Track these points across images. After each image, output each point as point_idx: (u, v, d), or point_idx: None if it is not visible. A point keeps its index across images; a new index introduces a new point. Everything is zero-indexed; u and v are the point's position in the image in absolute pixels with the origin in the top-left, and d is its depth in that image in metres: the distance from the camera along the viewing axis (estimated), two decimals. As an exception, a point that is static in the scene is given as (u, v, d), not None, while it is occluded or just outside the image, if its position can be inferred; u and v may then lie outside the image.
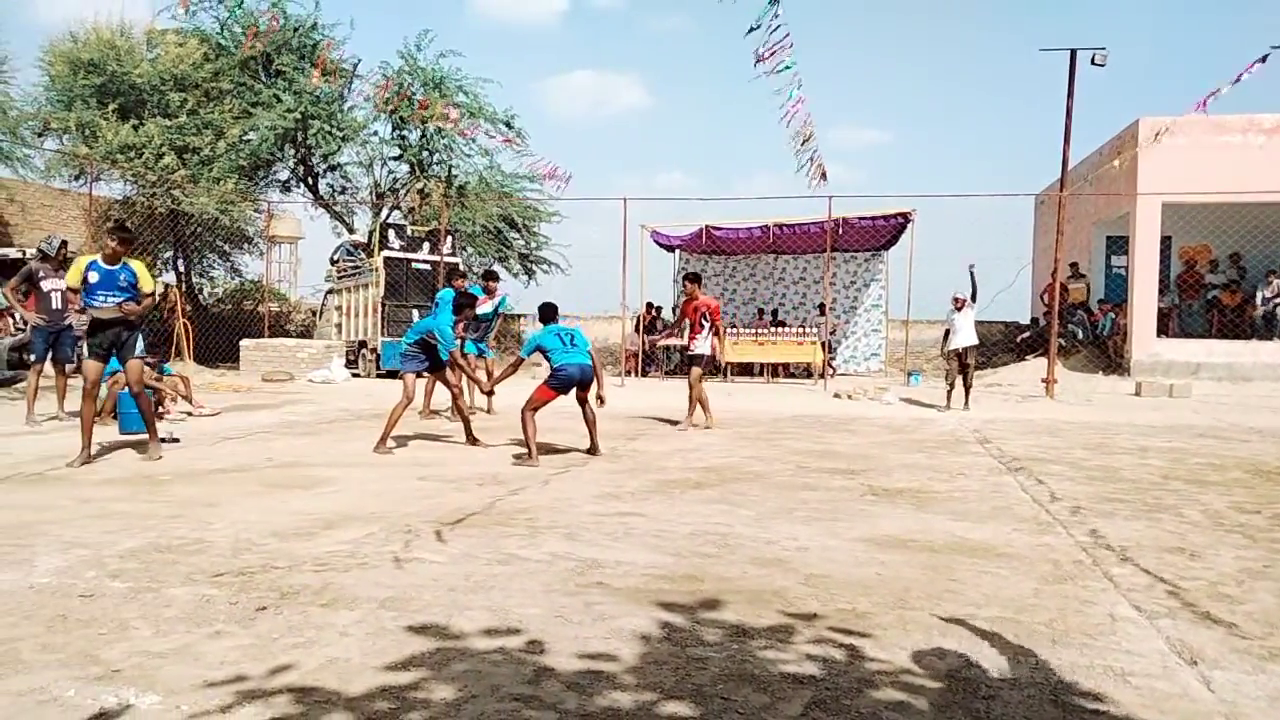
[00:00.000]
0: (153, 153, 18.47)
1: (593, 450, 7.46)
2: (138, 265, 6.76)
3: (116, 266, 6.64)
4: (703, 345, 9.63)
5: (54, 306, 9.18)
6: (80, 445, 6.56)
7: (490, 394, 7.60)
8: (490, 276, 10.32)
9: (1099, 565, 4.00)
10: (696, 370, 9.57)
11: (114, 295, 6.62)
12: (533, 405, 7.22)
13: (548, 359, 7.40)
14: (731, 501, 5.39)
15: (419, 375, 7.99)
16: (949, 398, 11.63)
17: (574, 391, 7.46)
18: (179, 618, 3.11)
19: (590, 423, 7.61)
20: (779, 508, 5.21)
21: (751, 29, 10.87)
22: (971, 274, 11.42)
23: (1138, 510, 5.27)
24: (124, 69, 18.86)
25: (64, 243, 9.70)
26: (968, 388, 11.55)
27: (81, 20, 20.39)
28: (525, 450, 7.10)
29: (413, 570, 3.75)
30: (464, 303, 7.94)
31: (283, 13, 19.87)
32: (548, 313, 7.71)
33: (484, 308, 9.80)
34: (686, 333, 9.91)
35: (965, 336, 11.37)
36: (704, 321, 9.64)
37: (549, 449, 7.59)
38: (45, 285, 9.18)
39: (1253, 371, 15.58)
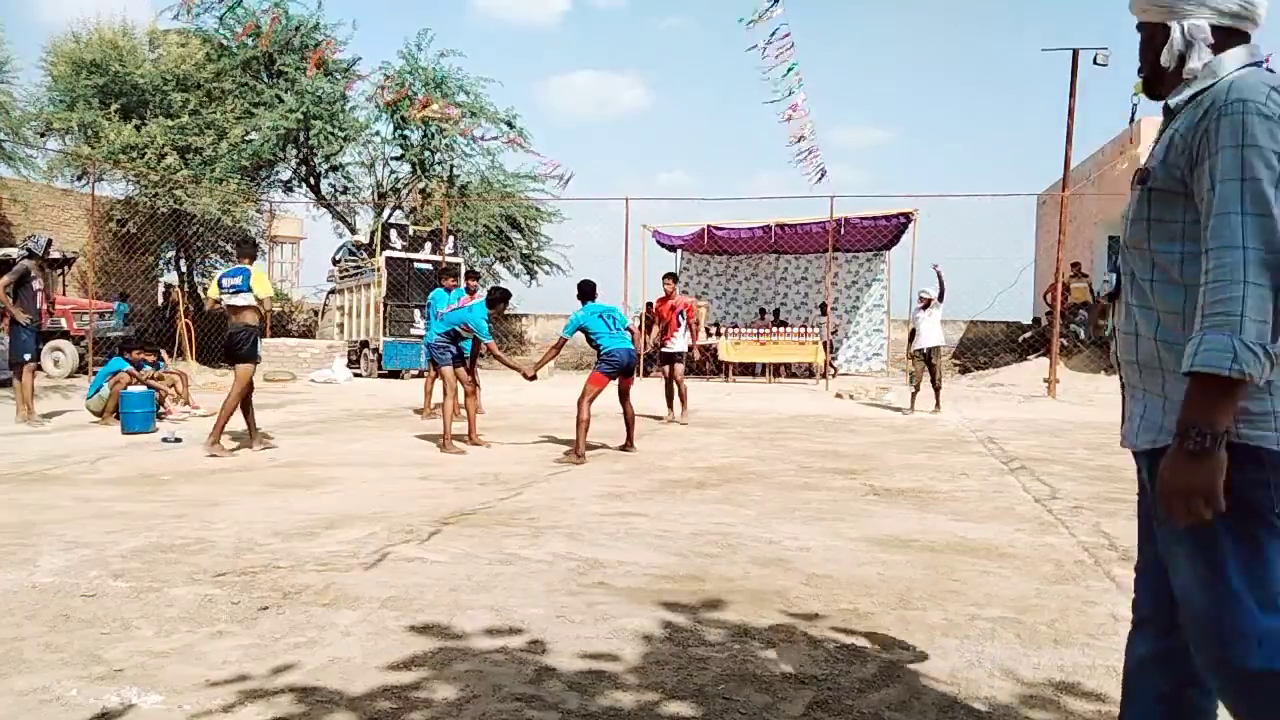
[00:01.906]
0: (155, 153, 18.51)
1: (628, 446, 7.46)
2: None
3: None
4: (680, 343, 10.11)
5: (38, 306, 9.01)
6: (249, 431, 7.39)
7: (532, 378, 7.58)
8: (470, 275, 10.25)
9: (1101, 565, 4.00)
10: (680, 367, 10.08)
11: None
12: (588, 396, 7.11)
13: (592, 342, 7.32)
14: (734, 501, 5.39)
15: (450, 368, 7.95)
16: (913, 400, 11.47)
17: (616, 383, 7.38)
18: (181, 617, 3.11)
19: (630, 420, 7.59)
20: (781, 508, 5.21)
21: (750, 21, 10.90)
22: (938, 275, 11.29)
23: (1140, 510, 5.26)
24: (126, 69, 18.90)
25: (50, 241, 9.69)
26: (936, 388, 11.31)
27: (84, 20, 20.46)
28: (571, 448, 7.05)
29: (414, 570, 3.75)
30: (497, 297, 7.88)
31: (284, 13, 19.88)
32: (588, 290, 7.56)
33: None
34: (661, 332, 10.15)
35: (930, 337, 11.19)
36: (680, 319, 10.07)
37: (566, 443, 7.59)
38: (34, 285, 9.02)
39: (1255, 371, 15.55)
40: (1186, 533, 1.52)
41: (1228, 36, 1.59)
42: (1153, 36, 1.67)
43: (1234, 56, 1.57)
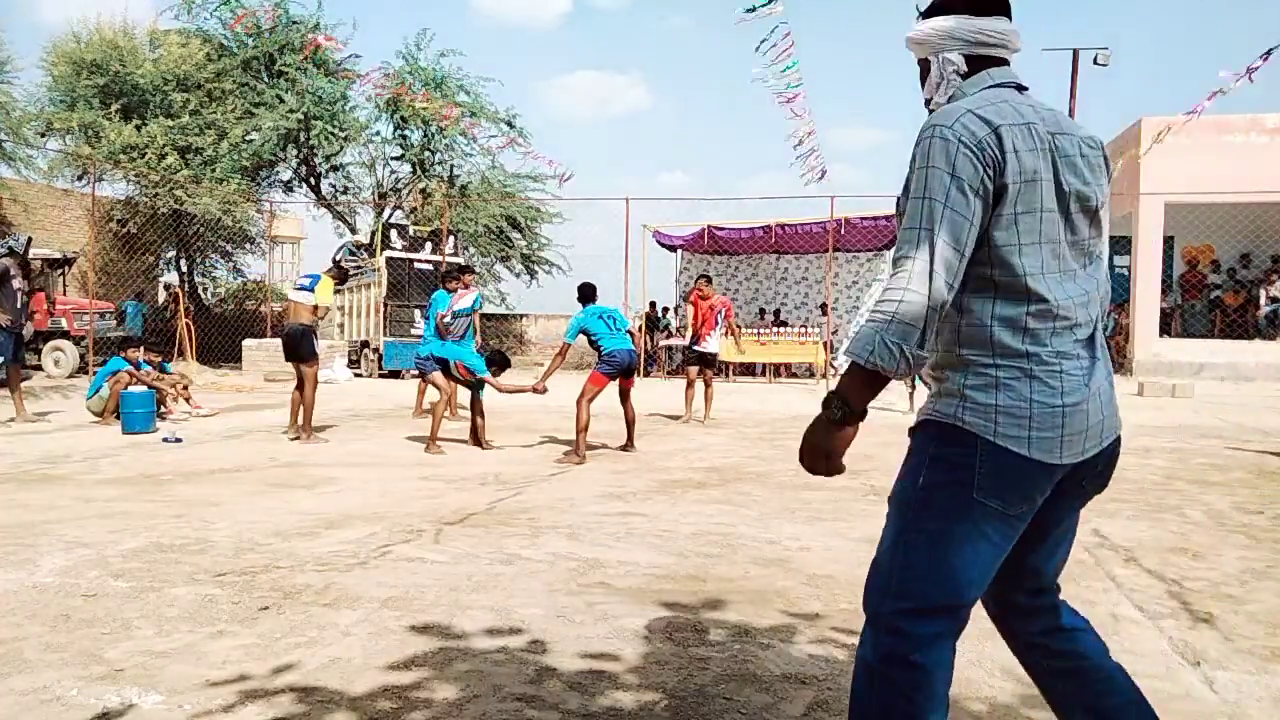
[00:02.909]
0: (155, 153, 18.51)
1: (628, 446, 7.46)
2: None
3: None
4: (714, 343, 10.22)
5: (17, 306, 8.90)
6: (289, 422, 8.19)
7: (543, 391, 7.56)
8: (464, 270, 10.15)
9: (1102, 566, 4.00)
10: (709, 371, 10.25)
11: None
12: (588, 395, 7.10)
13: (594, 344, 7.31)
14: (734, 501, 5.39)
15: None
16: (912, 400, 11.50)
17: (617, 384, 7.37)
18: (181, 617, 3.11)
19: (630, 420, 7.59)
20: (781, 507, 5.21)
21: (750, 9, 10.91)
22: None
23: (1140, 510, 5.27)
24: (127, 69, 18.90)
25: (29, 239, 9.70)
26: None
27: (85, 20, 20.42)
28: (571, 448, 7.05)
29: (415, 570, 3.76)
30: (497, 361, 7.88)
31: (285, 12, 19.89)
32: (588, 293, 7.58)
33: (459, 304, 9.64)
34: (696, 330, 10.19)
35: None
36: (718, 319, 10.16)
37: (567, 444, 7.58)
38: (14, 284, 8.88)
39: (1255, 372, 15.57)
40: (899, 493, 1.69)
41: (983, 63, 1.72)
42: (924, 72, 1.81)
43: (976, 81, 1.71)
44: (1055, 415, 1.57)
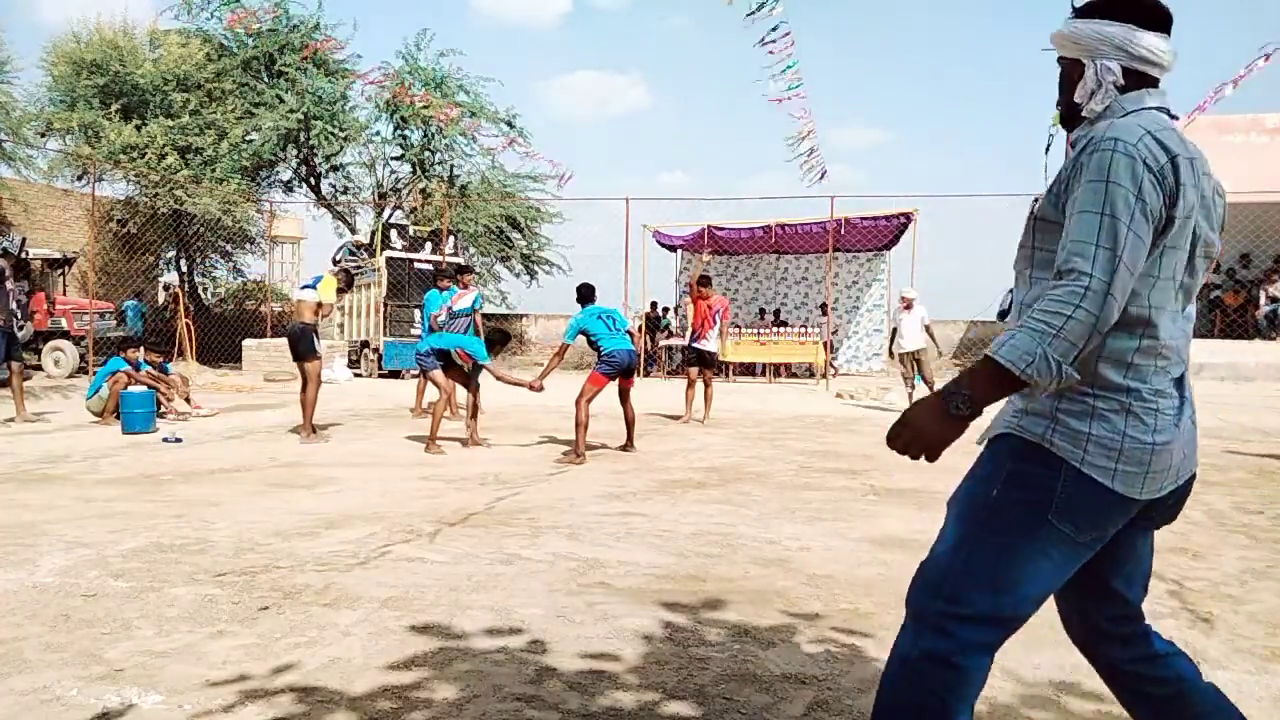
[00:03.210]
0: (155, 153, 18.50)
1: (628, 446, 7.47)
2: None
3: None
4: (713, 342, 10.27)
5: (12, 306, 8.89)
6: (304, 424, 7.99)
7: (540, 390, 7.57)
8: (463, 270, 10.15)
9: (1101, 565, 4.00)
10: (709, 371, 10.31)
11: None
12: (587, 395, 7.10)
13: (593, 344, 7.31)
14: (734, 501, 5.39)
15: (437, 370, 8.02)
16: (911, 400, 11.54)
17: (616, 384, 7.38)
18: (181, 617, 3.11)
19: (630, 420, 7.59)
20: (781, 508, 5.21)
21: (751, 13, 10.96)
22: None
23: (1140, 510, 5.26)
24: (127, 69, 18.89)
25: (24, 239, 9.68)
26: (929, 385, 11.37)
27: (85, 20, 20.39)
28: (571, 448, 7.05)
29: (415, 570, 3.76)
30: (497, 340, 7.98)
31: (285, 12, 19.88)
32: (587, 293, 7.61)
33: (459, 304, 9.66)
34: (696, 329, 10.24)
35: (913, 340, 11.29)
36: (716, 319, 10.21)
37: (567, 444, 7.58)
38: (7, 285, 8.88)
39: (1255, 372, 15.56)
40: (967, 499, 1.64)
41: (1137, 79, 1.66)
42: (1070, 73, 1.73)
43: (1135, 99, 1.64)
44: (1145, 452, 1.56)
